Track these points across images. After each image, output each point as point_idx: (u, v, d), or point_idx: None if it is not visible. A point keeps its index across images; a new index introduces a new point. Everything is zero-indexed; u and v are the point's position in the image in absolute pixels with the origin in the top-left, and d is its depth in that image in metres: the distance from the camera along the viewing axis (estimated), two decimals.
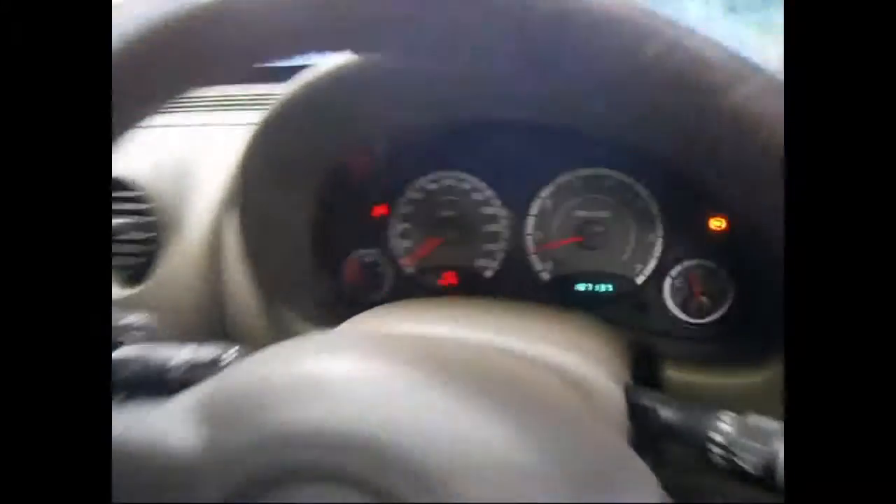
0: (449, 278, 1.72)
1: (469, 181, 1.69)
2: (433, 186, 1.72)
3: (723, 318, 1.48)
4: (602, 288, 1.58)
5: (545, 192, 1.64)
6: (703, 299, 1.47)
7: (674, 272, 1.51)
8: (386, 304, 1.27)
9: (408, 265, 1.77)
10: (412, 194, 1.77)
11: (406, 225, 1.76)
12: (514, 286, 1.64)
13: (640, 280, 1.55)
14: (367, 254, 1.78)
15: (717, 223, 1.48)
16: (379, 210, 1.77)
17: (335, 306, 1.73)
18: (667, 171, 1.50)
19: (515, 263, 1.65)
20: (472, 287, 1.69)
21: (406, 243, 1.78)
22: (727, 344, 1.44)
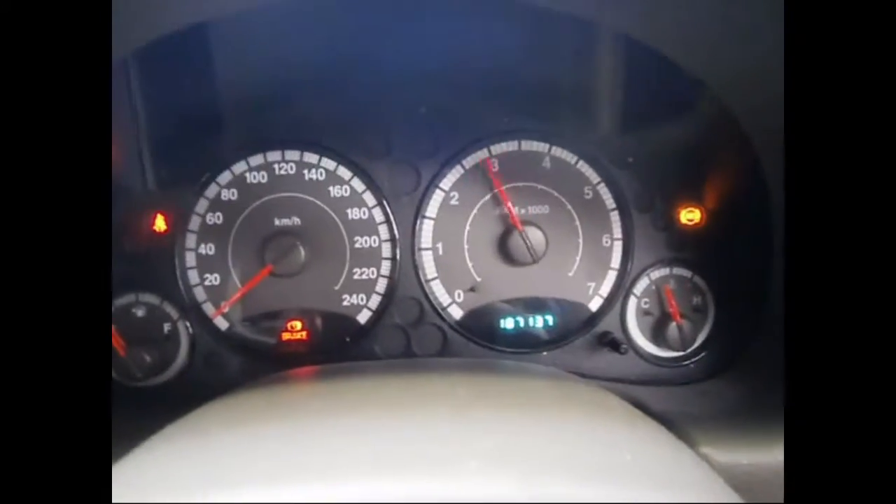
0: (294, 333, 1.03)
1: (322, 165, 1.02)
2: (255, 177, 1.02)
3: (707, 344, 1.06)
4: (541, 322, 1.06)
5: (448, 181, 1.02)
6: (683, 322, 1.03)
7: (639, 288, 1.06)
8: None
9: (217, 317, 1.03)
10: (217, 192, 0.99)
11: (208, 246, 1.03)
12: (406, 335, 1.03)
13: (594, 304, 1.06)
14: (136, 303, 1.00)
15: (689, 215, 1.06)
16: (156, 224, 1.00)
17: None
18: (623, 143, 1.04)
19: (405, 298, 1.02)
20: (336, 344, 1.01)
21: (210, 278, 1.02)
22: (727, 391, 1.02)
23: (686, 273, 1.05)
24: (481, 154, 1.02)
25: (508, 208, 1.00)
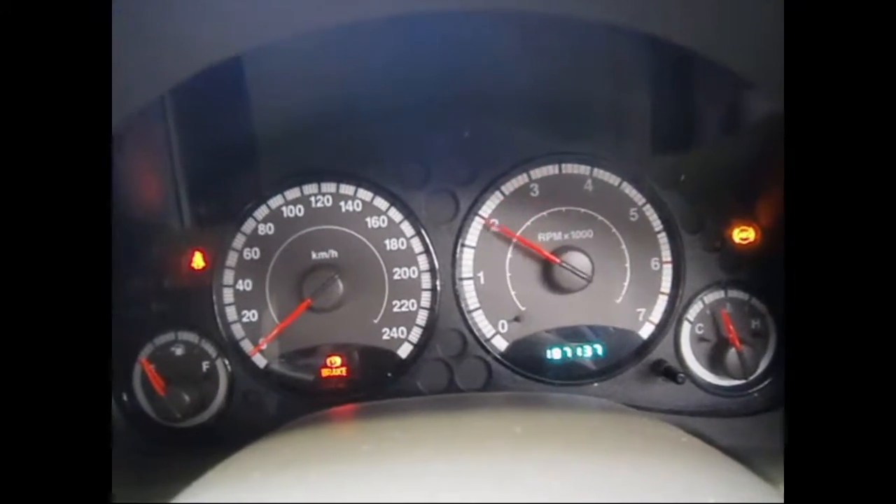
0: (334, 369, 1.00)
1: (359, 196, 0.99)
2: (292, 210, 1.01)
3: (770, 371, 1.00)
4: (590, 352, 1.01)
5: (487, 207, 1.00)
6: (744, 348, 0.97)
7: (692, 313, 1.00)
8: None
9: (255, 354, 1.01)
10: (254, 227, 0.97)
11: (245, 282, 1.02)
12: (449, 368, 0.99)
13: (645, 332, 1.01)
14: (175, 342, 0.99)
15: (743, 234, 1.01)
16: (194, 261, 1.00)
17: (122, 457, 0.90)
18: (668, 161, 1.00)
19: (447, 330, 0.98)
20: (377, 380, 0.98)
21: (248, 314, 0.99)
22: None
23: (743, 296, 0.99)
24: (521, 179, 0.99)
25: (536, 248, 0.97)
